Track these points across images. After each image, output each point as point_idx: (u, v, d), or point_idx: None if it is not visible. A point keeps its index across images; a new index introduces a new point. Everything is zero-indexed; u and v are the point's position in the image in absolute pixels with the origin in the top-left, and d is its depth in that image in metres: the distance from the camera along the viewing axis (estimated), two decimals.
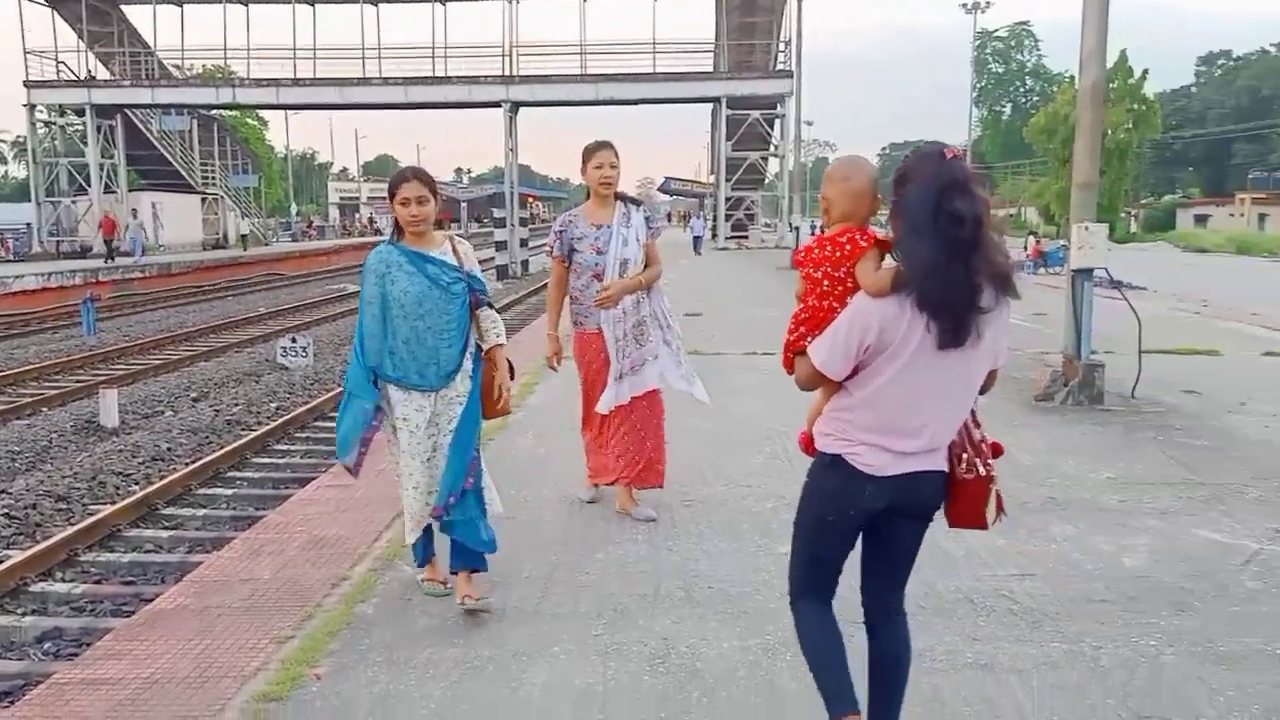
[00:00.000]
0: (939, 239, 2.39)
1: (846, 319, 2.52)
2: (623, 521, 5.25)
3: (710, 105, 39.31)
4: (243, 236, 43.92)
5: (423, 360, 3.95)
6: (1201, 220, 65.17)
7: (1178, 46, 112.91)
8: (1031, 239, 33.39)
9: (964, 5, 48.40)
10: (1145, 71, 45.69)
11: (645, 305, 5.21)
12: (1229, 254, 47.30)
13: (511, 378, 4.25)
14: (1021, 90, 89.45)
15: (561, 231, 5.18)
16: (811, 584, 2.77)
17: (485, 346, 4.14)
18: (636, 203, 5.28)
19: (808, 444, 2.75)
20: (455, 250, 4.04)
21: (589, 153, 5.11)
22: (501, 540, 4.80)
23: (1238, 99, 77.68)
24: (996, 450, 2.75)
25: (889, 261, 2.53)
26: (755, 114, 36.85)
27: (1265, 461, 6.49)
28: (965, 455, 2.67)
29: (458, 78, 36.15)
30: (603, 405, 5.16)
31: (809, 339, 2.60)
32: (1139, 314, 8.73)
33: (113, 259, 31.91)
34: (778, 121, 38.05)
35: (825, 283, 2.59)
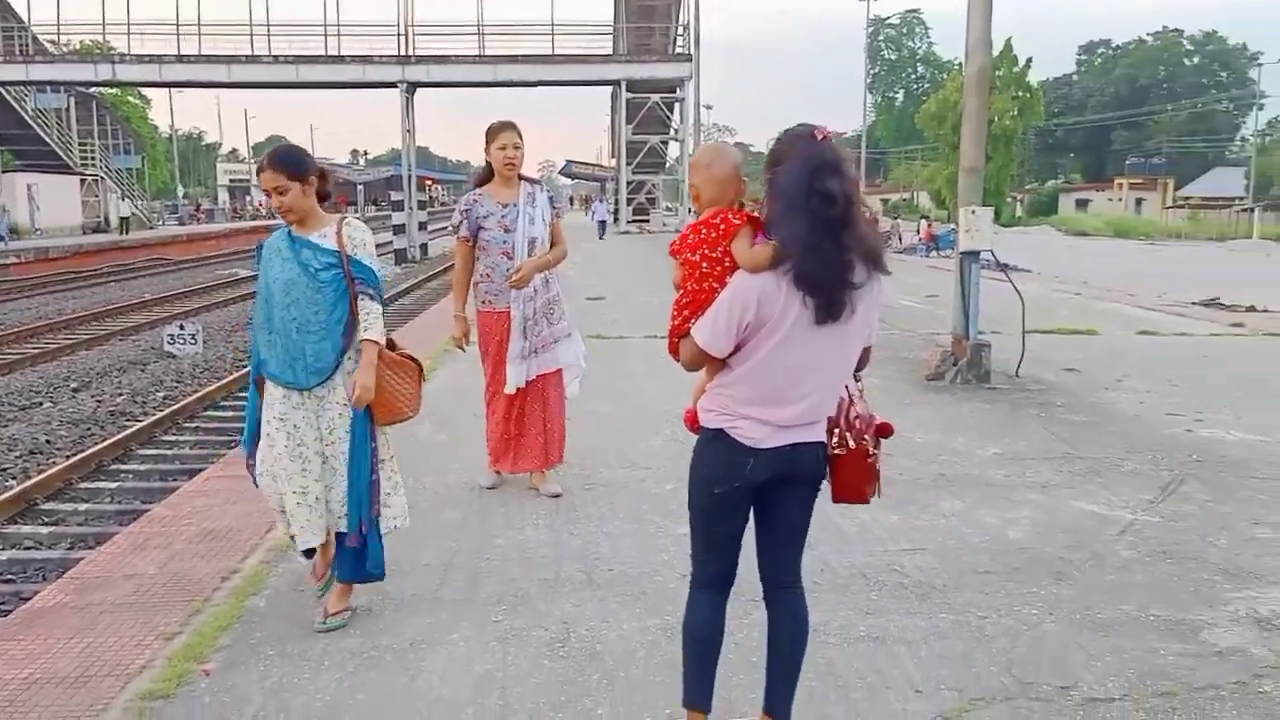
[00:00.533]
0: (813, 217, 2.47)
1: (727, 297, 2.58)
2: (523, 506, 5.23)
3: (610, 88, 39.29)
4: (123, 219, 41.77)
5: (291, 354, 3.64)
6: (1083, 205, 67.96)
7: (1059, 36, 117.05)
8: (924, 222, 34.31)
9: None
10: (1029, 60, 47.41)
11: (555, 284, 5.29)
12: (1108, 237, 49.40)
13: (422, 379, 3.91)
14: (913, 77, 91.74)
15: (467, 211, 5.15)
16: (709, 569, 2.82)
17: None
18: (538, 183, 5.31)
19: (692, 421, 2.81)
20: (339, 234, 3.68)
21: (493, 132, 5.11)
22: (395, 535, 4.75)
23: (1116, 87, 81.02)
24: (884, 430, 2.83)
25: (762, 240, 2.58)
26: (655, 98, 36.96)
27: (1139, 436, 6.82)
28: (837, 430, 2.76)
29: (352, 57, 35.29)
30: (510, 384, 5.17)
31: (692, 321, 2.64)
32: (1023, 295, 9.06)
33: None
34: (677, 105, 38.25)
35: (704, 265, 2.64)
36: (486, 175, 5.22)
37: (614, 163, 42.78)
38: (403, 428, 6.82)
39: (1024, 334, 8.91)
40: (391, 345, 3.82)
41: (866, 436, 2.78)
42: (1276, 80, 79.95)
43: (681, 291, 2.70)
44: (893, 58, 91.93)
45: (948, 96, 43.24)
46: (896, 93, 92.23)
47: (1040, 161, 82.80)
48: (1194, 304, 16.11)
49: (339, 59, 35.23)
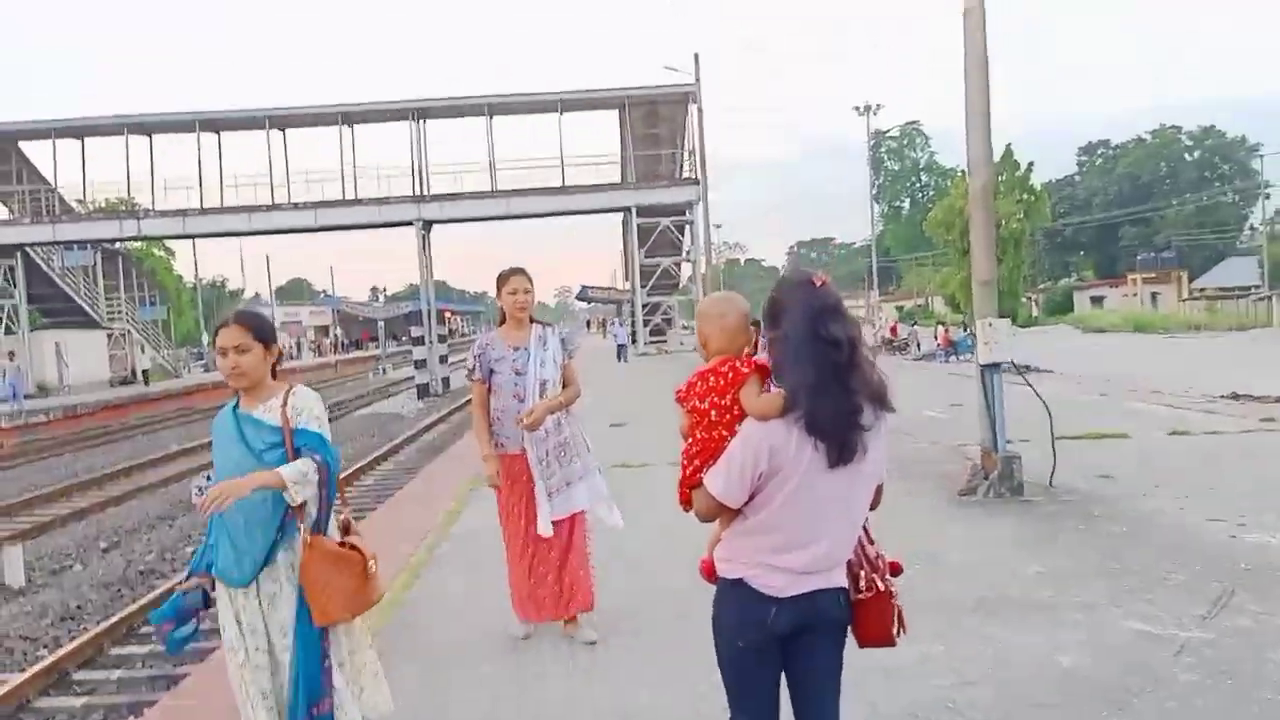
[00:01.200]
0: (819, 363, 2.50)
1: (739, 446, 2.59)
2: (557, 653, 5.13)
3: (621, 215, 40.18)
4: (143, 371, 42.40)
5: (239, 548, 3.28)
6: (1097, 301, 68.13)
7: (1056, 139, 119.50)
8: (940, 329, 34.42)
9: (856, 109, 50.69)
10: (1031, 164, 48.20)
11: (566, 426, 5.27)
12: (1126, 332, 49.33)
13: (367, 574, 3.34)
14: (918, 185, 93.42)
15: (480, 354, 5.27)
16: None
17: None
18: (550, 325, 5.42)
19: (710, 571, 2.78)
20: (285, 405, 3.30)
21: (503, 279, 5.26)
22: (436, 684, 4.66)
23: (1120, 185, 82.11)
24: (895, 569, 2.83)
25: (770, 388, 2.62)
26: (665, 221, 37.76)
27: (1183, 545, 6.67)
28: (863, 573, 2.74)
29: (368, 199, 36.37)
30: (543, 527, 5.12)
31: (703, 471, 2.65)
32: (1047, 402, 9.00)
33: None
34: (687, 227, 38.99)
35: (713, 413, 2.67)
36: (501, 319, 5.36)
37: (628, 285, 43.39)
38: (429, 579, 6.80)
39: (1053, 442, 8.83)
40: (346, 529, 3.42)
41: (888, 576, 2.77)
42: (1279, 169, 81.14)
43: (690, 440, 2.72)
44: (896, 168, 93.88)
45: (953, 204, 43.86)
46: (903, 201, 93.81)
47: (1051, 261, 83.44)
48: (1222, 398, 15.97)
49: (356, 202, 36.30)
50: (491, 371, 5.22)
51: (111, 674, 7.18)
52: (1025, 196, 47.24)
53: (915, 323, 45.58)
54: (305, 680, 3.25)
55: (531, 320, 5.31)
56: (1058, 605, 5.51)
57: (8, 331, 36.55)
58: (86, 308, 42.43)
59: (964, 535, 7.24)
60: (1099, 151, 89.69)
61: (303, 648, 3.27)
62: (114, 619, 8.11)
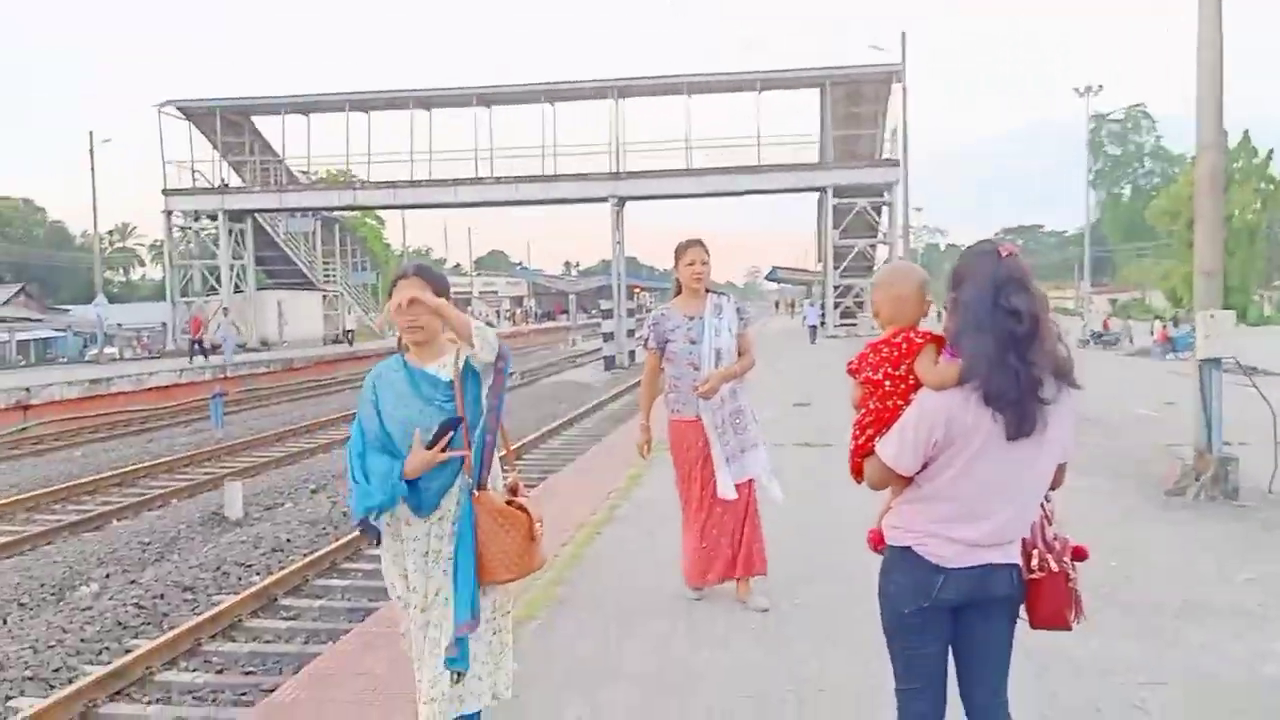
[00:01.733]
0: (998, 333, 2.45)
1: (914, 415, 2.56)
2: (731, 618, 5.17)
3: (816, 195, 39.57)
4: (348, 332, 44.65)
5: (421, 483, 3.09)
6: None
7: None
8: (1158, 324, 32.30)
9: (1076, 89, 47.83)
10: (1270, 151, 44.35)
11: (741, 395, 5.35)
12: None
13: (534, 535, 3.20)
14: (1141, 172, 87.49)
15: (655, 325, 5.40)
16: (913, 704, 2.71)
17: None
18: (725, 295, 5.46)
19: (878, 541, 2.76)
20: (457, 364, 3.14)
21: (681, 250, 5.35)
22: (610, 636, 4.80)
23: None
24: (1079, 554, 2.73)
25: (944, 358, 2.57)
26: (862, 202, 36.92)
27: None
28: (1037, 552, 2.67)
29: (566, 175, 37.28)
30: (724, 490, 5.20)
31: (876, 440, 2.60)
32: (1272, 404, 8.30)
33: (205, 357, 31.23)
34: (885, 209, 38.02)
35: (887, 383, 2.65)
36: (677, 290, 5.45)
37: (820, 266, 42.75)
38: (610, 535, 6.98)
39: (1277, 445, 8.13)
40: (514, 490, 3.32)
41: (1066, 558, 2.68)
42: None
43: (863, 410, 2.70)
44: (1117, 153, 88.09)
45: (1180, 191, 41.00)
46: (1123, 188, 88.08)
47: None
48: None
49: (555, 177, 37.28)
50: (666, 341, 5.33)
51: (314, 602, 7.74)
52: (1264, 186, 43.53)
53: (1129, 317, 42.80)
54: (461, 592, 3.07)
55: (707, 291, 5.38)
56: (1267, 615, 5.10)
57: (236, 289, 39.64)
58: (305, 270, 45.51)
59: (1169, 536, 6.80)
60: None
61: (461, 569, 3.07)
62: (318, 553, 8.72)
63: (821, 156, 38.11)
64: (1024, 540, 2.66)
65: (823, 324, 37.85)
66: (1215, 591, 5.51)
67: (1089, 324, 38.35)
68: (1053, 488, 2.69)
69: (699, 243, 5.35)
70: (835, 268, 37.95)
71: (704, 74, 37.76)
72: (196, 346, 31.66)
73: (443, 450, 3.03)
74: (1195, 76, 8.44)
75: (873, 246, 39.86)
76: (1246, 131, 42.97)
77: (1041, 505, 2.69)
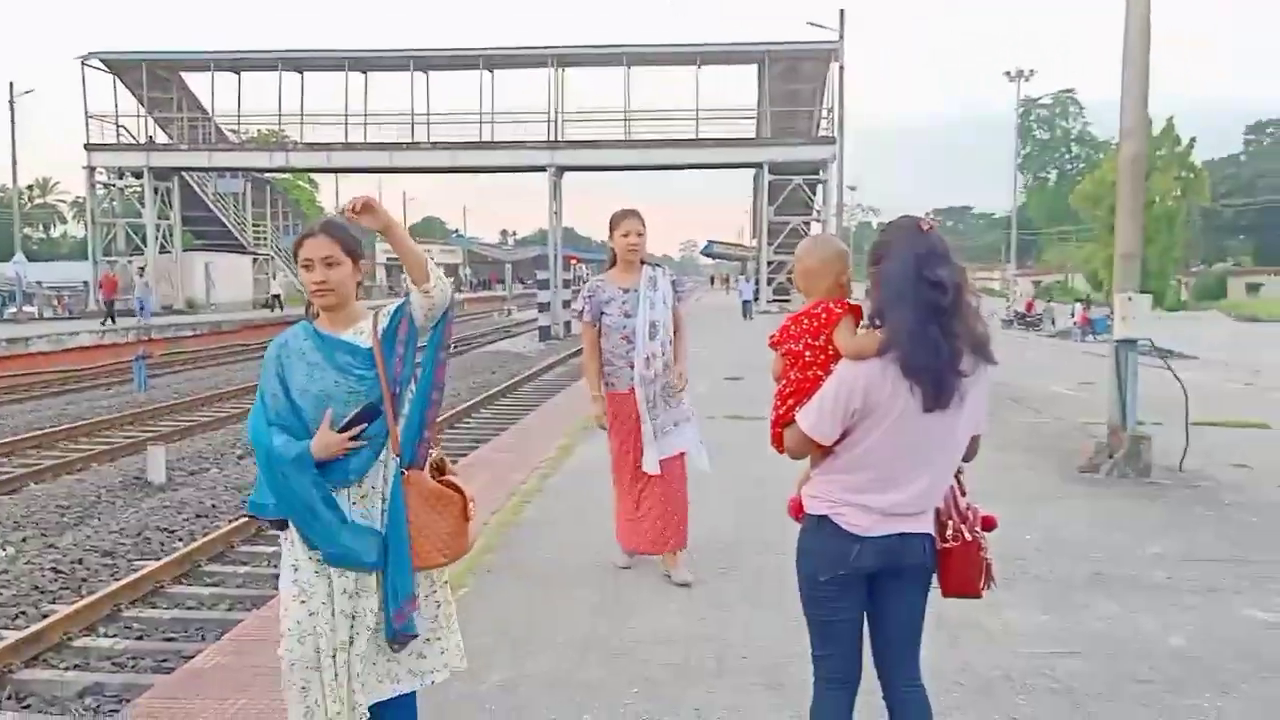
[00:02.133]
0: (920, 305, 2.49)
1: (833, 384, 2.61)
2: (657, 589, 5.24)
3: (753, 170, 39.75)
4: (274, 296, 43.21)
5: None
6: (1254, 289, 64.37)
7: (1222, 121, 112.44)
8: (1079, 306, 33.16)
9: (1008, 74, 48.59)
10: (1193, 139, 45.62)
11: (671, 372, 5.35)
12: None
13: (467, 515, 2.92)
14: (1067, 157, 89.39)
15: (590, 297, 5.36)
16: (829, 666, 2.78)
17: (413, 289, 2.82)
18: (660, 267, 5.43)
19: (797, 510, 2.81)
20: (375, 327, 2.83)
21: (616, 221, 5.31)
22: (538, 604, 4.83)
23: None
24: (988, 523, 2.82)
25: (863, 329, 2.63)
26: (798, 179, 37.18)
27: None
28: (950, 522, 2.74)
29: (504, 143, 36.94)
30: (649, 464, 5.25)
31: (796, 409, 2.66)
32: (1185, 385, 8.60)
33: (112, 320, 29.15)
34: (820, 187, 38.34)
35: (807, 354, 2.70)
36: (611, 262, 5.42)
37: (755, 243, 43.02)
38: (540, 505, 7.01)
39: (1187, 425, 8.44)
40: (440, 468, 2.95)
41: (978, 528, 2.77)
42: None
43: (784, 382, 2.74)
44: (1045, 137, 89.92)
45: (1104, 176, 41.91)
46: (1049, 173, 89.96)
47: (1207, 244, 79.00)
48: None
49: (492, 144, 36.92)
50: (602, 314, 5.30)
51: (239, 569, 7.64)
52: (1184, 174, 44.81)
53: (1051, 299, 43.89)
54: (394, 578, 2.78)
55: (642, 263, 5.35)
56: (1174, 587, 5.32)
57: (162, 250, 38.64)
58: (235, 232, 44.50)
59: (1081, 511, 7.03)
60: (1269, 130, 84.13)
61: (395, 553, 2.78)
62: (243, 519, 8.60)
63: (759, 132, 38.30)
64: (937, 510, 2.73)
65: (756, 299, 38.15)
66: (1125, 565, 5.71)
67: (1013, 305, 39.23)
68: (966, 459, 2.76)
69: (634, 213, 5.31)
70: (770, 244, 38.21)
71: (644, 45, 37.63)
72: (106, 308, 30.26)
73: (354, 438, 2.72)
74: (1121, 62, 8.64)
75: (807, 224, 40.18)
76: (1170, 119, 44.12)
77: (955, 476, 2.77)
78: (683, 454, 5.38)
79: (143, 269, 35.24)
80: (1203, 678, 4.10)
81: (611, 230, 5.34)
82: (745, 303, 36.45)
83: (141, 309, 31.28)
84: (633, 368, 5.23)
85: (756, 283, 39.74)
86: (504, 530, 6.33)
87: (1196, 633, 4.63)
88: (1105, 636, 4.58)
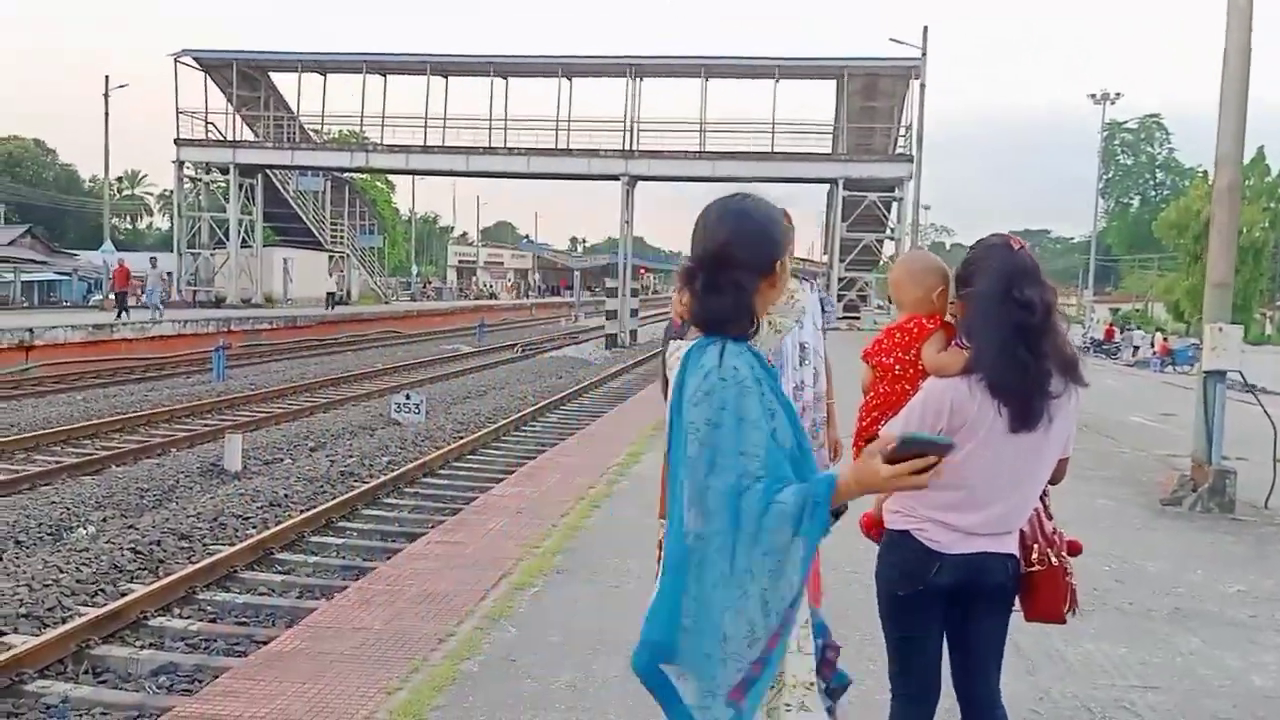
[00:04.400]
0: (1009, 325, 2.46)
1: (920, 400, 2.58)
2: None
3: (827, 186, 39.50)
4: (329, 295, 41.02)
5: None
6: None
7: None
8: (1159, 335, 32.35)
9: (1093, 96, 47.65)
10: None
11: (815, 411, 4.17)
12: None
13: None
14: (1151, 183, 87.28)
15: None
16: (906, 688, 2.75)
17: None
18: (807, 279, 4.28)
19: (870, 526, 2.79)
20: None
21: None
22: (608, 608, 4.84)
23: None
24: (1074, 548, 2.77)
25: (955, 347, 2.61)
26: (872, 196, 36.83)
27: None
28: (1036, 546, 2.69)
29: (578, 150, 37.17)
30: None
31: (881, 423, 2.63)
32: (1274, 419, 8.33)
33: (126, 313, 26.50)
34: (895, 204, 37.94)
35: (897, 367, 2.70)
36: None
37: (826, 258, 42.73)
38: (609, 509, 7.02)
39: (1276, 462, 8.17)
40: None
41: (1063, 553, 2.72)
42: None
43: (871, 394, 2.71)
44: (1128, 162, 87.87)
45: (1190, 205, 40.90)
46: (1132, 198, 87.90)
47: None
48: None
49: (567, 151, 37.16)
50: None
51: (309, 558, 7.78)
52: (1273, 205, 43.46)
53: (1129, 327, 42.86)
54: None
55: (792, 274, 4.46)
56: (1258, 626, 5.15)
57: (244, 244, 39.60)
58: (313, 229, 45.43)
59: (1164, 545, 6.84)
60: None
61: None
62: (315, 510, 8.76)
63: (835, 148, 38.03)
64: (1022, 533, 2.68)
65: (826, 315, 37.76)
66: (1207, 601, 5.55)
67: (1090, 331, 38.38)
68: (1053, 482, 2.70)
69: (784, 214, 4.23)
70: (841, 260, 37.89)
71: (722, 58, 37.62)
72: (118, 300, 27.29)
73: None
74: (1220, 86, 8.42)
75: (880, 241, 39.83)
76: (1261, 148, 42.87)
77: (1040, 499, 2.72)
78: None
79: (154, 259, 31.94)
80: None
81: None
82: None
83: (152, 300, 28.39)
84: None
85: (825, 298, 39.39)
86: (573, 533, 6.36)
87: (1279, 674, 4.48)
88: (1186, 672, 4.45)
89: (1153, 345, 31.80)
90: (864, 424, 2.75)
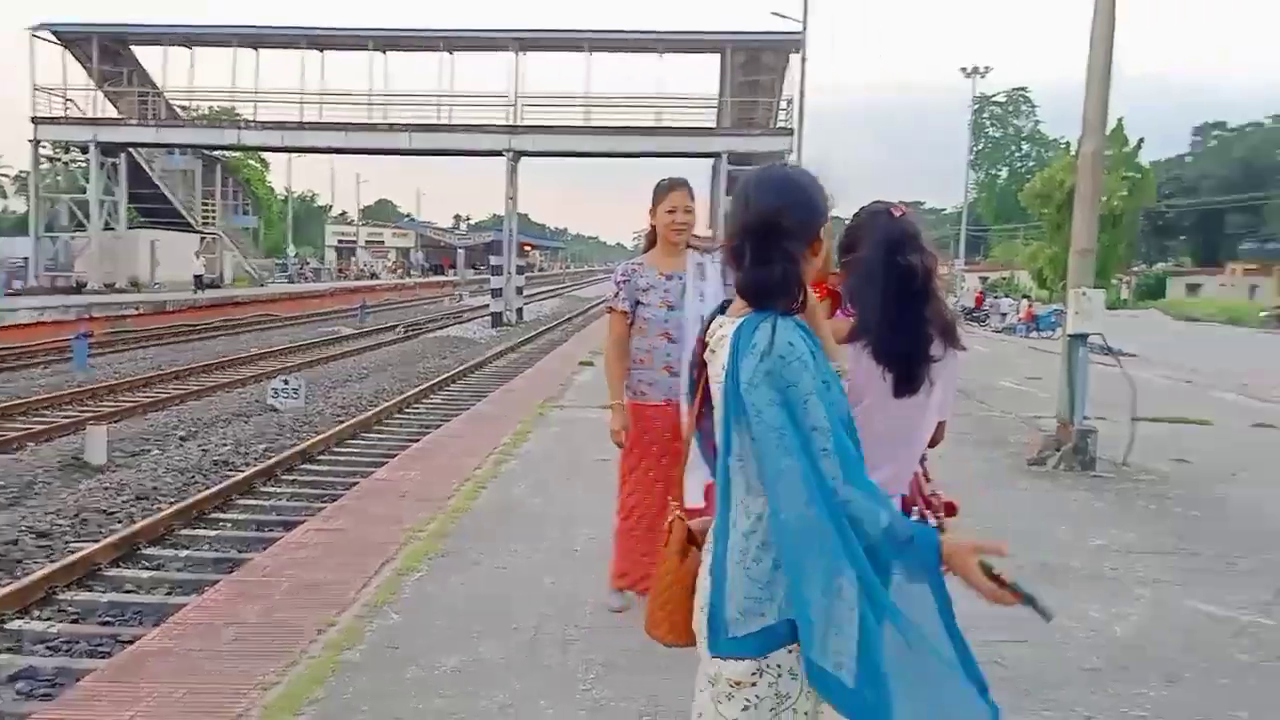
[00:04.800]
0: (892, 290, 2.47)
1: None
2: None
3: (711, 160, 39.82)
4: (196, 277, 39.96)
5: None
6: (1193, 289, 65.82)
7: (1171, 118, 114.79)
8: (1024, 302, 33.67)
9: (964, 69, 49.11)
10: (1140, 140, 46.48)
11: None
12: (1219, 323, 47.58)
13: None
14: (1017, 155, 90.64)
15: (625, 281, 4.39)
16: None
17: None
18: (710, 253, 4.42)
19: None
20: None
21: (661, 193, 4.35)
22: (495, 592, 4.77)
23: (1230, 170, 78.78)
24: (951, 509, 2.84)
25: (839, 315, 2.63)
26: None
27: (1257, 533, 6.48)
28: (916, 508, 2.76)
29: (462, 125, 36.50)
30: (693, 496, 3.73)
31: None
32: (1132, 381, 8.75)
33: None
34: None
35: None
36: (650, 242, 4.48)
37: (712, 232, 43.11)
38: (496, 491, 6.95)
39: (1133, 421, 8.59)
40: None
41: (941, 514, 2.78)
42: None
43: None
44: (997, 135, 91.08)
45: (1054, 175, 42.60)
46: (1000, 170, 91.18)
47: (1149, 243, 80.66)
48: None
49: (450, 127, 36.47)
50: (637, 303, 4.35)
51: (179, 553, 7.47)
52: (1131, 175, 45.62)
53: (998, 295, 44.59)
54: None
55: (689, 246, 4.39)
56: (1120, 579, 5.41)
57: (107, 227, 37.73)
58: (182, 211, 43.57)
59: (1029, 503, 7.13)
60: (1214, 133, 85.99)
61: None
62: (185, 502, 8.42)
63: (719, 122, 38.29)
64: (903, 497, 2.72)
65: None
66: (1071, 556, 5.80)
67: (961, 300, 39.73)
68: (932, 444, 2.75)
69: (684, 184, 4.38)
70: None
71: (606, 31, 37.37)
72: None
73: None
74: (1088, 54, 8.72)
75: None
76: (1121, 119, 44.88)
77: (920, 462, 2.77)
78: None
79: None
80: (1150, 667, 4.17)
81: (655, 203, 4.35)
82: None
83: None
84: (673, 374, 4.26)
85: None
86: (458, 516, 6.26)
87: (1142, 623, 4.72)
88: (1053, 626, 4.61)
89: (1019, 312, 33.08)
90: None
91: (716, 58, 38.55)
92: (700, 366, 2.15)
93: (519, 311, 34.31)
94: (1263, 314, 47.97)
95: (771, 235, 1.99)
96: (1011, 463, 8.56)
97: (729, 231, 2.07)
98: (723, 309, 2.13)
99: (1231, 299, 58.27)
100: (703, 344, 2.15)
